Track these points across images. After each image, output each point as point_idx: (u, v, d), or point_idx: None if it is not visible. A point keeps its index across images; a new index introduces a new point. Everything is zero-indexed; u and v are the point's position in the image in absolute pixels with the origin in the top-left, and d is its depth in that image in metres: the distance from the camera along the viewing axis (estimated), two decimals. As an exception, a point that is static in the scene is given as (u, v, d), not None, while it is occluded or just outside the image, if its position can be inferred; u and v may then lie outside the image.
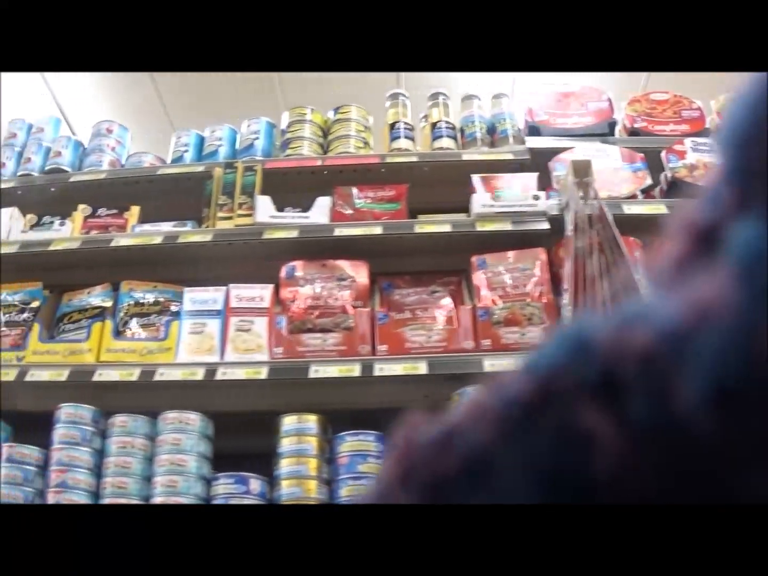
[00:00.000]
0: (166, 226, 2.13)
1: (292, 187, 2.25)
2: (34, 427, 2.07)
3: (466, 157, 2.17)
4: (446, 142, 2.21)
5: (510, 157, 2.17)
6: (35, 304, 2.15)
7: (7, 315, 2.15)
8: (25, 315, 2.13)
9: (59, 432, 1.94)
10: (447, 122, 2.26)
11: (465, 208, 2.16)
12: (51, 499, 1.90)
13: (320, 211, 2.06)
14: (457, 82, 3.97)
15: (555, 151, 2.17)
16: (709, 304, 0.22)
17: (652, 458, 0.23)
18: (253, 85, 4.00)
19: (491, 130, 2.26)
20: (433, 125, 2.25)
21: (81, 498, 1.88)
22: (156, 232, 2.10)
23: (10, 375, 2.03)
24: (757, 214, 0.23)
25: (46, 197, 2.38)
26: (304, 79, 3.92)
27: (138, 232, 2.14)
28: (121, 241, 2.10)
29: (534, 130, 2.22)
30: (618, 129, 2.28)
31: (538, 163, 2.17)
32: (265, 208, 2.06)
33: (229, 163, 2.16)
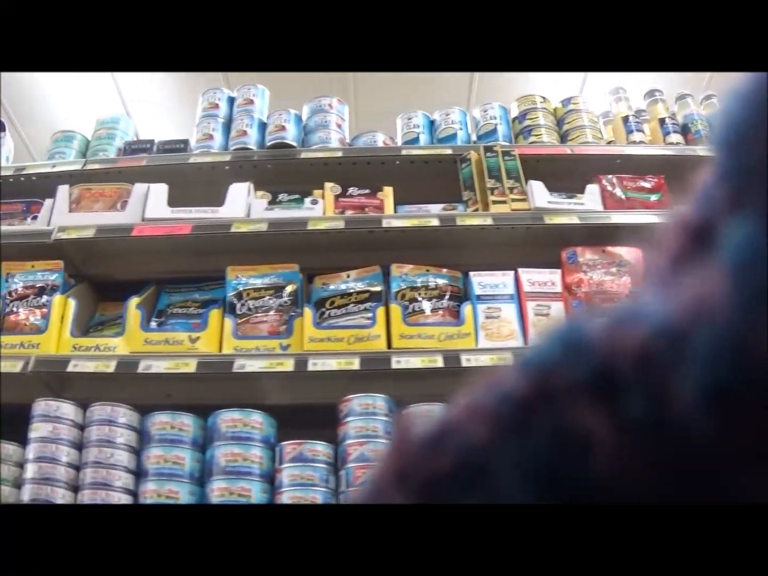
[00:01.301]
0: (435, 208, 2.04)
1: (526, 174, 2.23)
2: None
3: (700, 152, 2.26)
4: (675, 137, 2.30)
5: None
6: (291, 287, 1.97)
7: (257, 300, 1.95)
8: (283, 299, 1.95)
9: (355, 425, 1.81)
10: (671, 118, 2.34)
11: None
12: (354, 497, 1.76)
13: (592, 198, 2.07)
14: (532, 83, 4.07)
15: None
16: (704, 302, 0.22)
17: (648, 456, 0.22)
18: (326, 85, 3.89)
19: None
20: (661, 121, 2.32)
21: (388, 494, 1.76)
22: (429, 214, 2.00)
23: (285, 365, 1.85)
24: (751, 212, 0.23)
25: (261, 173, 2.19)
26: (376, 78, 3.87)
27: (407, 213, 2.03)
28: (393, 222, 1.98)
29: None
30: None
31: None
32: (541, 193, 2.04)
33: (488, 147, 2.10)
